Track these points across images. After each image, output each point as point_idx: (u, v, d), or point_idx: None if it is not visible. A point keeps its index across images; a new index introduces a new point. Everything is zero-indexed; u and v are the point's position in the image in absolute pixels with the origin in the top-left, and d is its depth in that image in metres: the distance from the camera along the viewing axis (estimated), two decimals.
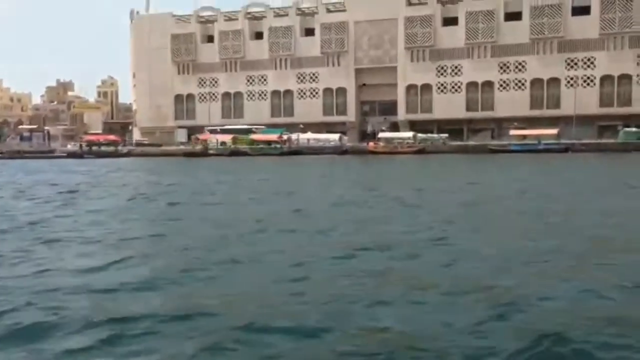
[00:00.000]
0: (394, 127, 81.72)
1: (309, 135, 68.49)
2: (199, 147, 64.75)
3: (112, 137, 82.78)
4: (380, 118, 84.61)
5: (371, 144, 64.08)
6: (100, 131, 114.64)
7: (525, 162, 43.93)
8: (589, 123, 73.07)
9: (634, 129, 57.37)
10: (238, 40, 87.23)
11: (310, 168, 40.65)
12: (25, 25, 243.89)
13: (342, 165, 44.00)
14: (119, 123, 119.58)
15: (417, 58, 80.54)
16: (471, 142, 61.94)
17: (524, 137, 60.74)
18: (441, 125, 79.12)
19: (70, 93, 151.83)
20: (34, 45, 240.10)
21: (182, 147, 72.73)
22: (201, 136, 68.77)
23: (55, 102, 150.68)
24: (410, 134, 66.58)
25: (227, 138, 67.52)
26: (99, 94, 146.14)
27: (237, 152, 61.59)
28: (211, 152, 63.18)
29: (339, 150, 61.62)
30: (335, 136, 66.58)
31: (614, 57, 72.84)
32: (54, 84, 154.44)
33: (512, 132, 62.03)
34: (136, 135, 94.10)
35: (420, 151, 60.51)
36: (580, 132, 69.99)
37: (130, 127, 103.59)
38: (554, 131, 61.53)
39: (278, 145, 63.07)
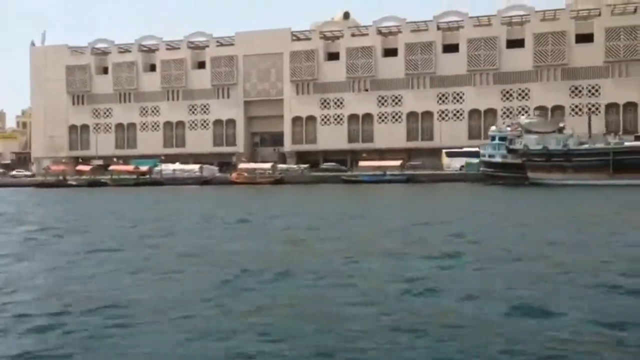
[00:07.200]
0: (283, 157, 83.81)
1: (175, 165, 69.66)
2: (50, 178, 65.09)
3: None
4: (270, 149, 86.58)
5: (234, 174, 65.64)
6: (8, 161, 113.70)
7: (353, 191, 46.25)
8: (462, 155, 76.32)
9: (475, 161, 60.43)
10: (132, 72, 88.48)
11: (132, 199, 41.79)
12: None
13: (172, 195, 45.27)
14: (29, 153, 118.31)
15: (302, 91, 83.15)
16: (327, 173, 63.98)
17: (370, 167, 63.21)
18: (326, 156, 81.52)
19: None
20: None
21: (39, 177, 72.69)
22: (53, 167, 69.08)
23: None
24: (269, 164, 68.37)
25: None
26: (17, 123, 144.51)
27: (96, 183, 62.17)
28: (71, 182, 63.60)
29: (200, 181, 62.83)
30: (196, 167, 67.88)
31: (481, 92, 76.80)
32: None
33: (361, 163, 64.45)
34: (35, 167, 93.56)
35: (279, 181, 62.23)
36: (452, 163, 73.14)
37: None
38: (397, 163, 64.28)
39: (134, 177, 63.94)
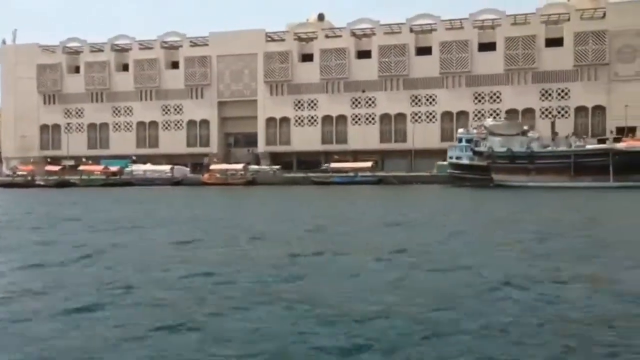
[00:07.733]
0: (257, 158, 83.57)
1: (146, 166, 69.20)
2: (19, 179, 64.36)
3: None
4: (244, 150, 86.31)
5: (206, 175, 65.33)
6: None
7: (323, 193, 46.18)
8: (435, 156, 76.70)
9: (445, 163, 60.82)
10: (104, 71, 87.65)
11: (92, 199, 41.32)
12: None
13: (134, 195, 44.85)
14: None
15: (276, 92, 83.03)
16: (299, 174, 64.01)
17: (340, 169, 63.35)
18: (300, 157, 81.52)
19: None
20: None
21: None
22: (22, 167, 68.32)
23: None
24: (241, 165, 68.18)
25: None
26: None
27: (65, 183, 61.52)
28: (39, 183, 62.86)
29: (171, 182, 62.44)
30: (167, 167, 67.53)
31: (453, 94, 77.31)
32: None
33: (332, 164, 64.62)
34: (5, 166, 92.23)
35: (251, 182, 62.06)
36: (422, 165, 73.51)
37: None
38: (368, 164, 64.51)
39: (103, 177, 63.44)
